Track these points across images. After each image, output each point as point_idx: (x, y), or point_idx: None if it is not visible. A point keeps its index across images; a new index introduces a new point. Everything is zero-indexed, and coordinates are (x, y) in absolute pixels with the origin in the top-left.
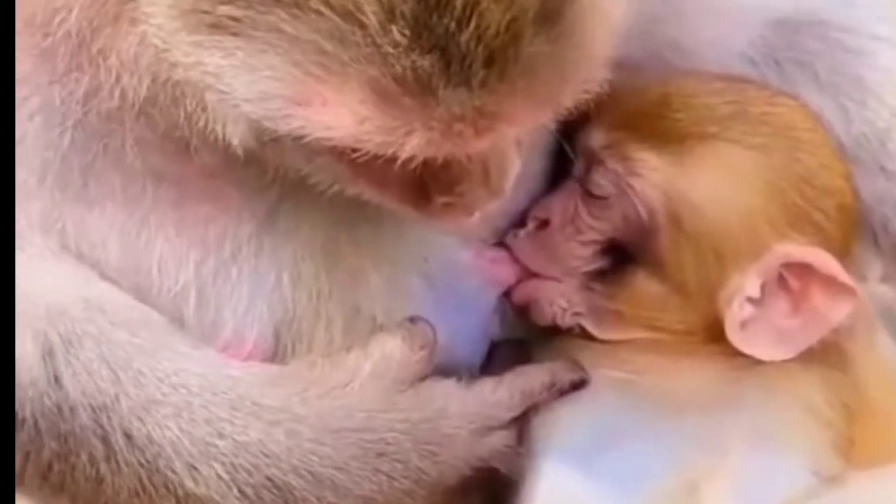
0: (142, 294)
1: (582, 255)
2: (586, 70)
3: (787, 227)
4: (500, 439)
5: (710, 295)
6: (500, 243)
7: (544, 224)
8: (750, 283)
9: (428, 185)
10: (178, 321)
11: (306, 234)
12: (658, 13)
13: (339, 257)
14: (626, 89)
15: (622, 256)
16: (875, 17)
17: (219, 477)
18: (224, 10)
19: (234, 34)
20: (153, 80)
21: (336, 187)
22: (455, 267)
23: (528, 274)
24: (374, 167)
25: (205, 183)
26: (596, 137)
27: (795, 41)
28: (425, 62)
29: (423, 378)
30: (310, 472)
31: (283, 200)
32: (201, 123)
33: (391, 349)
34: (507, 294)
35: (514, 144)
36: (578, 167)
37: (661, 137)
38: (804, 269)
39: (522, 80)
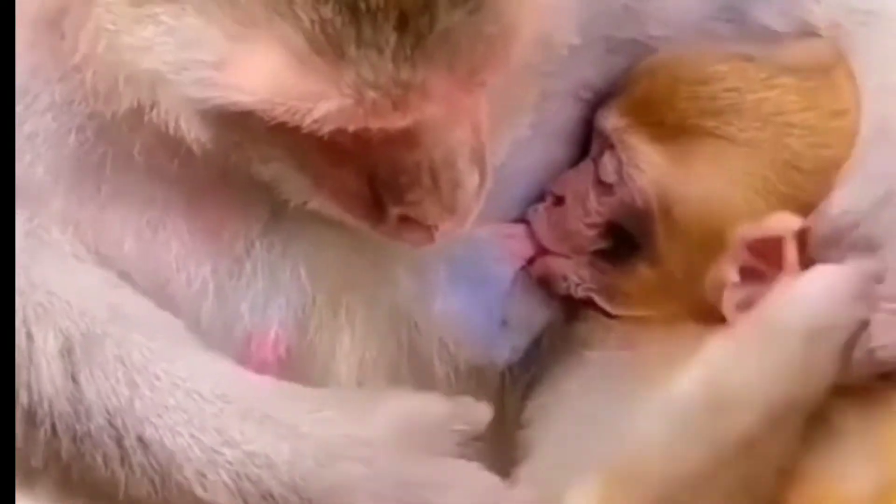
0: (161, 292)
1: (588, 235)
2: (510, 48)
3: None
4: None
5: (695, 283)
6: (521, 219)
7: (560, 200)
8: (727, 270)
9: (381, 195)
10: (197, 319)
11: (315, 229)
12: None
13: (352, 248)
14: (640, 70)
15: (625, 239)
16: None
17: (225, 485)
18: None
19: None
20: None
21: (298, 200)
22: (470, 242)
23: (544, 249)
24: (328, 172)
25: (209, 186)
26: (610, 120)
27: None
28: (334, 16)
29: (446, 453)
30: (305, 494)
31: (286, 203)
32: (162, 118)
33: (432, 409)
34: (526, 268)
35: (469, 157)
36: (595, 147)
37: (664, 129)
38: (770, 241)
39: (440, 51)
